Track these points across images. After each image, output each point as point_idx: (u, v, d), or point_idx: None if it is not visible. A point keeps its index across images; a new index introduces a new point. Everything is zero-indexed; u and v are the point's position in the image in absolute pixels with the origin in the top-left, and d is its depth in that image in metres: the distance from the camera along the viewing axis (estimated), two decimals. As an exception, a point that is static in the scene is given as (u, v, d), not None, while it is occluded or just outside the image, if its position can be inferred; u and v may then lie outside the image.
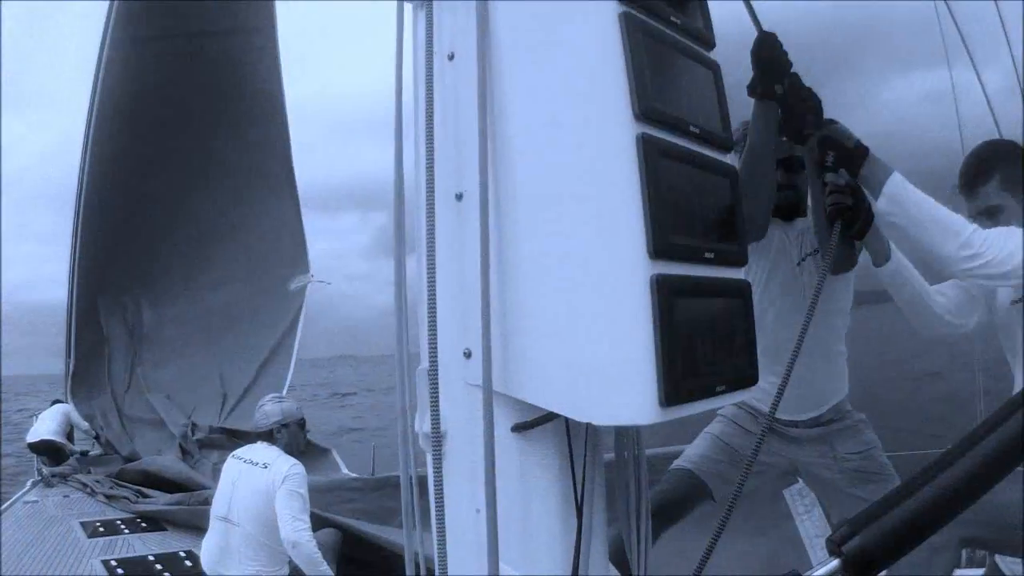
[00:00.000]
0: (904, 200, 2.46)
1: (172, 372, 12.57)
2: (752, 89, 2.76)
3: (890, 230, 2.57)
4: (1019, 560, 2.83)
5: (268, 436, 5.51)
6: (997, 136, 4.62)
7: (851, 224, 2.60)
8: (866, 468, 3.30)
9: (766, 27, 2.64)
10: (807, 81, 2.66)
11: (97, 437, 12.13)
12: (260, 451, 5.46)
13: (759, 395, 3.35)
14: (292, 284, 12.44)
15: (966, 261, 2.41)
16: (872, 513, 1.61)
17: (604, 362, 1.37)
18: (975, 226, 2.46)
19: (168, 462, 9.76)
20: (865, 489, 3.18)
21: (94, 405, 12.37)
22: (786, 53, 2.69)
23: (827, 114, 2.70)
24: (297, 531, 5.04)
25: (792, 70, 2.69)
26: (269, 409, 5.58)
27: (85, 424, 12.08)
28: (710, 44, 1.65)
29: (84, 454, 11.20)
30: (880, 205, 2.50)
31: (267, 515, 5.17)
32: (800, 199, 3.20)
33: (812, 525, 4.02)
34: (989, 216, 2.68)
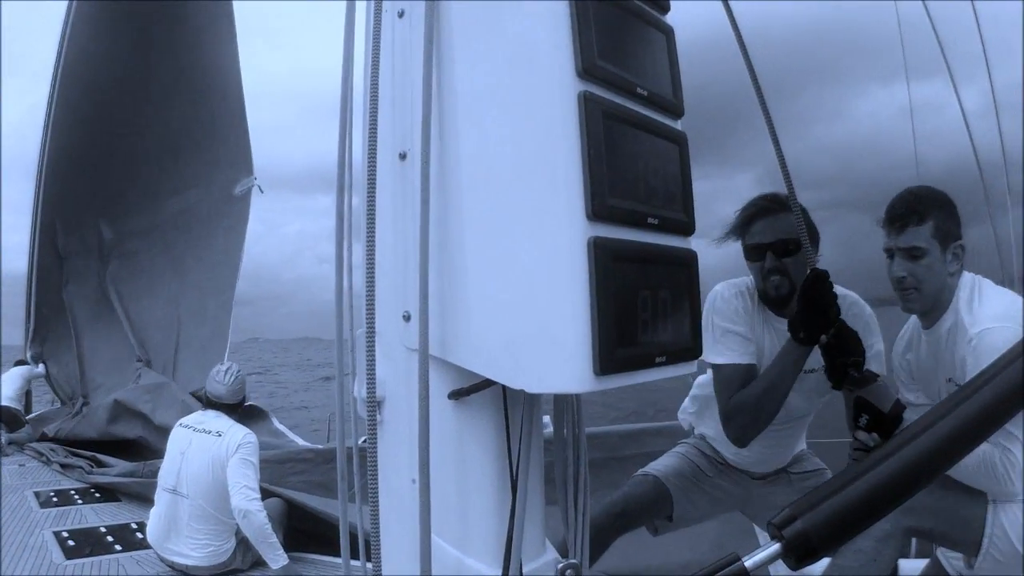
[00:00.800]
0: None
1: (138, 289, 12.62)
2: (795, 334, 2.69)
3: None
4: (959, 555, 2.85)
5: (230, 409, 5.47)
6: (971, 151, 4.69)
7: None
8: (823, 480, 3.39)
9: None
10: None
11: (54, 390, 12.04)
12: (213, 420, 5.40)
13: (731, 456, 3.53)
14: (237, 188, 12.47)
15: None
16: (814, 498, 1.59)
17: (539, 327, 1.33)
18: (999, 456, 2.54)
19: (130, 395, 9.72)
20: None
21: (53, 358, 12.29)
22: (835, 296, 2.63)
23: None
24: (248, 500, 5.00)
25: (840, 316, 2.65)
26: (235, 383, 5.53)
27: (41, 371, 12.00)
28: (664, 8, 1.61)
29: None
30: None
31: (218, 486, 5.13)
32: (793, 289, 2.97)
33: None
34: (912, 257, 2.71)
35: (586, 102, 1.31)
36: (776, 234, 2.97)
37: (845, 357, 2.62)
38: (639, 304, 1.37)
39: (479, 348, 1.43)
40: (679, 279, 1.51)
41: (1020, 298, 2.72)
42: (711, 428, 3.49)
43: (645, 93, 1.47)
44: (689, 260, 1.55)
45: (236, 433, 5.25)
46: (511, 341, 1.38)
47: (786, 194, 2.80)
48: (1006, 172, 4.95)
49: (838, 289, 2.75)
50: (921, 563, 3.29)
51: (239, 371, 5.63)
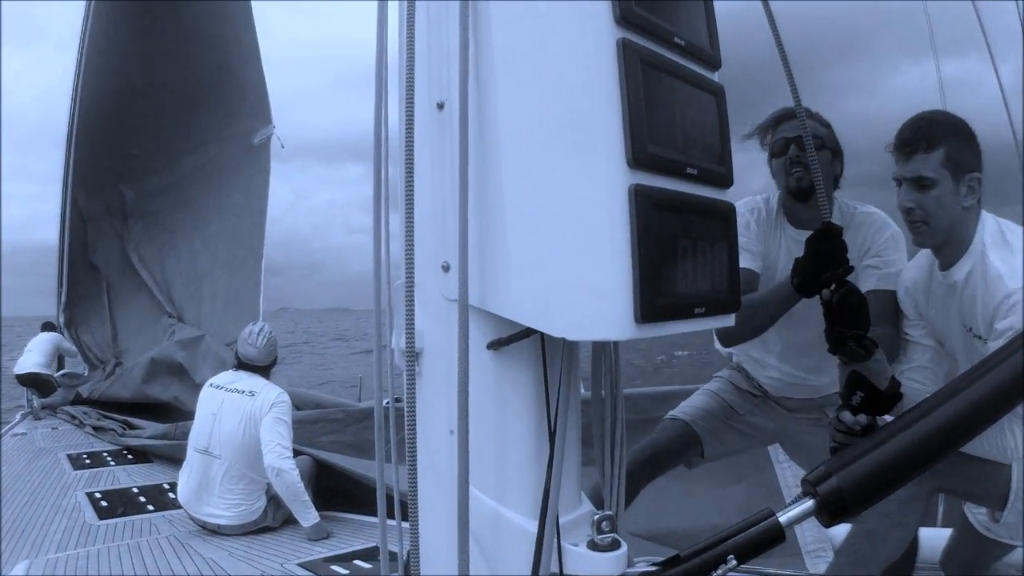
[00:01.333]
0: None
1: (162, 249, 12.83)
2: (800, 285, 2.51)
3: None
4: (983, 510, 2.82)
5: (262, 370, 5.52)
6: (1010, 129, 4.58)
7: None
8: None
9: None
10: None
11: (86, 358, 12.18)
12: (245, 380, 5.47)
13: (758, 368, 3.47)
14: (256, 138, 12.66)
15: None
16: (849, 457, 1.60)
17: (579, 275, 1.33)
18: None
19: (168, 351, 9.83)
20: None
21: (85, 324, 12.45)
22: (844, 254, 2.38)
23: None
24: (282, 458, 5.07)
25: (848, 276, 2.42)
26: (267, 346, 5.58)
27: (74, 349, 12.15)
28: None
29: (71, 376, 11.28)
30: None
31: (251, 445, 5.18)
32: (812, 181, 2.82)
33: (792, 474, 4.03)
34: (920, 187, 2.54)
35: (624, 49, 1.30)
36: (800, 130, 2.87)
37: (846, 328, 2.39)
38: (679, 253, 1.37)
39: (519, 297, 1.44)
40: (717, 231, 1.50)
41: None
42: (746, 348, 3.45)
43: (683, 43, 1.46)
44: (727, 212, 1.54)
45: (270, 392, 5.31)
46: (551, 289, 1.38)
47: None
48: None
49: (866, 208, 2.82)
50: (945, 532, 3.27)
51: (271, 332, 5.66)
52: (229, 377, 5.56)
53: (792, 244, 3.13)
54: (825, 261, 2.37)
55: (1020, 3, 4.49)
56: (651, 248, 1.29)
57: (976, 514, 2.90)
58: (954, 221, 2.56)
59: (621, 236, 1.27)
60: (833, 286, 2.33)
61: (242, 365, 5.55)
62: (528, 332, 1.46)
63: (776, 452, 3.98)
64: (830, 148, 3.11)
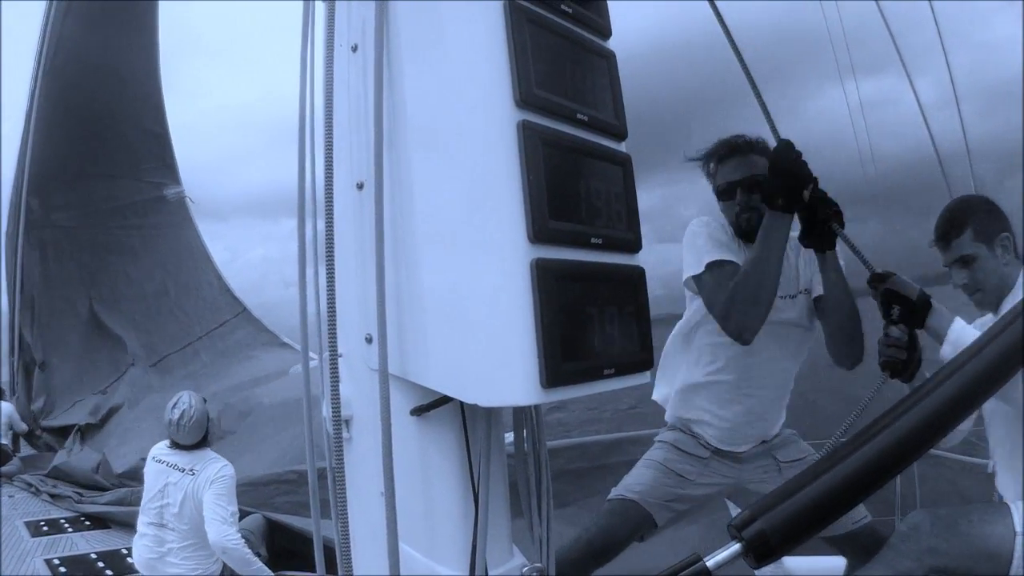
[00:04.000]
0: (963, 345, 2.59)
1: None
2: (773, 201, 2.79)
3: None
4: None
5: (198, 445, 5.33)
6: (930, 142, 4.79)
7: (899, 373, 2.70)
8: None
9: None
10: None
11: (32, 436, 12.00)
12: (185, 456, 5.28)
13: (706, 418, 3.42)
14: (167, 191, 13.01)
15: None
16: (773, 499, 1.65)
17: (489, 345, 1.40)
18: None
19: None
20: None
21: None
22: (805, 162, 2.75)
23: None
24: (225, 536, 4.97)
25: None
26: (194, 425, 5.28)
27: (24, 427, 11.95)
28: (605, 33, 1.68)
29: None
30: (945, 351, 2.65)
31: (198, 520, 5.06)
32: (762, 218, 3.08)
33: None
34: (964, 265, 2.89)
35: (524, 130, 1.38)
36: (745, 171, 3.13)
37: (825, 209, 2.79)
38: (585, 319, 1.44)
39: (436, 366, 1.51)
40: (626, 294, 1.57)
41: None
42: (703, 377, 3.39)
43: (586, 118, 1.54)
44: (635, 276, 1.61)
45: (211, 468, 5.17)
46: (464, 359, 1.45)
47: (753, 137, 3.15)
48: (969, 158, 5.08)
49: None
50: None
51: (192, 408, 5.30)
52: (169, 452, 5.35)
53: None
54: (791, 170, 2.73)
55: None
56: (555, 317, 1.36)
57: None
58: (1002, 279, 2.89)
59: (525, 307, 1.35)
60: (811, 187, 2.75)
61: (175, 445, 5.33)
62: (447, 399, 1.54)
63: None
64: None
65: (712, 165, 3.29)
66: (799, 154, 2.75)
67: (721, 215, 3.30)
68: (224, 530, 4.99)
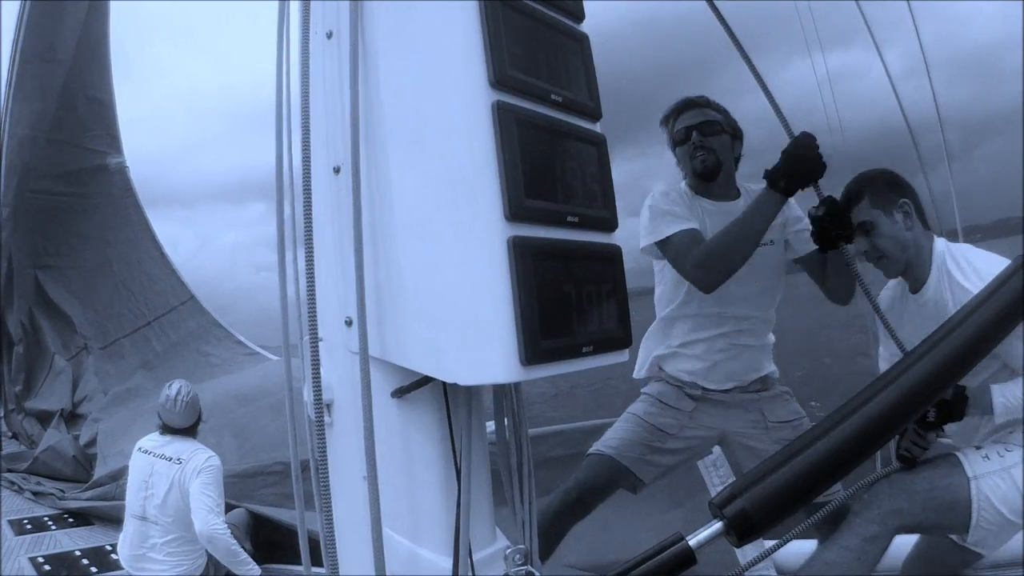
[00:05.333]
0: (1014, 404, 2.65)
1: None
2: (775, 182, 2.85)
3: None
4: None
5: (188, 431, 5.36)
6: (900, 112, 4.83)
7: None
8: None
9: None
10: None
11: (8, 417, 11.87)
12: (173, 444, 5.29)
13: (688, 366, 3.43)
14: (110, 160, 12.55)
15: None
16: (753, 477, 1.66)
17: (467, 324, 1.41)
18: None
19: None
20: None
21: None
22: (821, 156, 2.82)
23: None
24: (211, 526, 4.96)
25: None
26: (188, 408, 5.35)
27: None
28: (579, 16, 1.70)
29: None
30: (998, 420, 2.70)
31: (184, 511, 5.05)
32: (719, 163, 3.31)
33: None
34: (864, 232, 2.95)
35: (499, 111, 1.39)
36: (700, 118, 3.28)
37: (837, 229, 2.86)
38: (562, 297, 1.45)
39: (415, 347, 1.52)
40: (603, 272, 1.59)
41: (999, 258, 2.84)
42: (682, 327, 3.45)
43: (560, 99, 1.55)
44: (612, 254, 1.63)
45: (198, 458, 5.17)
46: (443, 339, 1.46)
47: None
48: (941, 128, 5.17)
49: (760, 185, 2.97)
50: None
51: (189, 391, 5.40)
52: (157, 441, 5.37)
53: (709, 216, 3.28)
54: (805, 160, 2.83)
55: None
56: (533, 294, 1.37)
57: None
58: (905, 246, 2.95)
59: (503, 285, 1.36)
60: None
61: (167, 429, 5.37)
62: (427, 379, 1.54)
63: (710, 475, 4.03)
64: (728, 132, 3.36)
65: (671, 121, 3.42)
66: (817, 148, 2.80)
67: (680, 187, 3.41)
68: (210, 519, 4.98)
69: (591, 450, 3.44)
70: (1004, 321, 1.81)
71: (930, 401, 1.79)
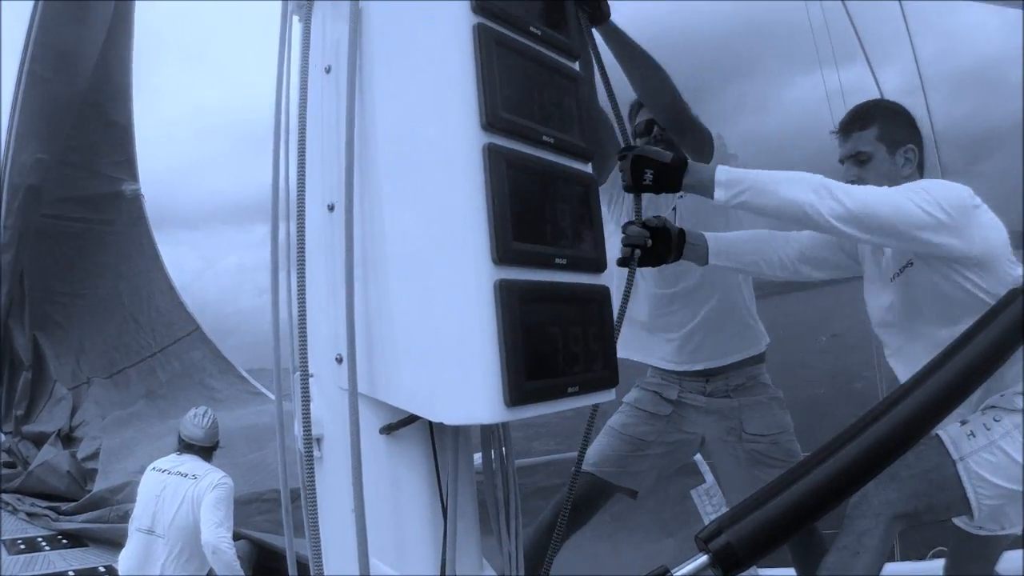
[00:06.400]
0: (739, 178, 2.50)
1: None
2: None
3: (744, 208, 2.58)
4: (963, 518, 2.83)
5: (205, 452, 5.58)
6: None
7: (646, 262, 2.67)
8: (771, 453, 3.32)
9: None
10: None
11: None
12: (188, 463, 5.48)
13: (662, 353, 3.44)
14: (125, 187, 12.54)
15: (823, 198, 2.44)
16: (739, 511, 1.67)
17: (453, 365, 1.42)
18: (819, 175, 2.52)
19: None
20: (766, 472, 3.19)
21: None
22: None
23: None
24: (219, 537, 5.07)
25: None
26: (212, 427, 5.63)
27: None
28: (574, 55, 1.72)
29: None
30: (719, 196, 2.51)
31: (193, 526, 5.19)
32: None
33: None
34: (858, 162, 2.81)
35: (490, 154, 1.41)
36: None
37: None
38: (549, 339, 1.47)
39: (403, 386, 1.53)
40: (591, 313, 1.60)
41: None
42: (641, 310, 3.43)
43: (552, 140, 1.58)
44: (600, 295, 1.64)
45: (212, 476, 5.35)
46: (431, 378, 1.48)
47: None
48: (936, 147, 5.16)
49: None
50: (905, 566, 3.25)
51: (214, 414, 5.73)
52: (172, 461, 5.56)
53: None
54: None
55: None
56: (518, 337, 1.38)
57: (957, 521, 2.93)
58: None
59: (489, 328, 1.37)
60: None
61: (186, 447, 5.57)
62: (415, 417, 1.56)
63: (703, 504, 4.04)
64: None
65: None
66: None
67: None
68: (219, 532, 5.11)
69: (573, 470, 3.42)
70: (999, 351, 1.81)
71: (922, 434, 1.78)
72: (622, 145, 2.59)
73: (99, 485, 8.42)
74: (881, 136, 2.80)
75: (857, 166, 2.81)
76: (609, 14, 2.68)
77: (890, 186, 2.66)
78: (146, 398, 11.35)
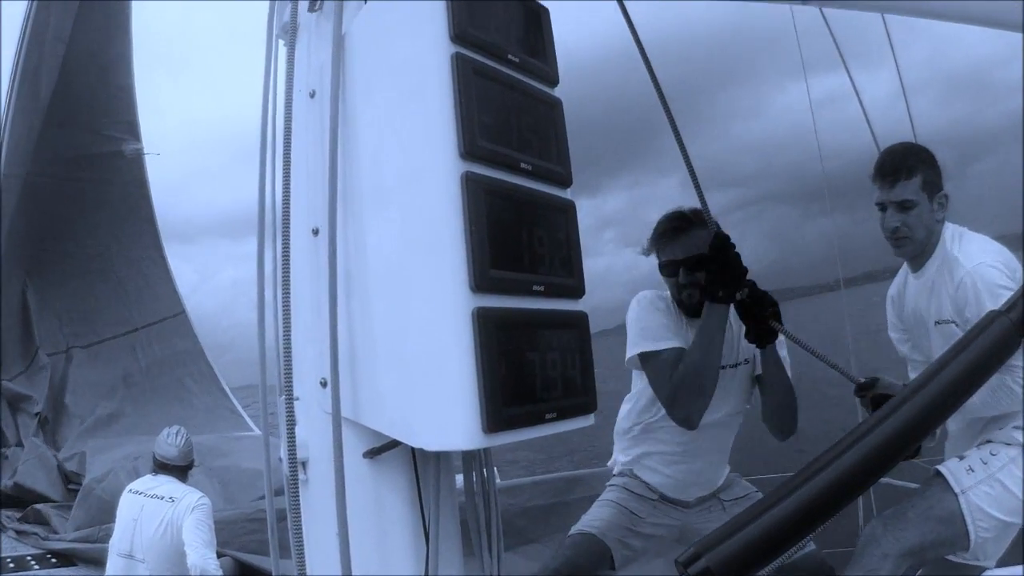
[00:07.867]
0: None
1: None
2: (713, 295, 2.87)
3: None
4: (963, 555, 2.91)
5: (180, 472, 5.51)
6: (874, 138, 4.95)
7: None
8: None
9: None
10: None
11: None
12: (164, 485, 5.41)
13: (653, 479, 3.54)
14: (126, 147, 12.23)
15: None
16: (718, 536, 1.69)
17: (432, 391, 1.44)
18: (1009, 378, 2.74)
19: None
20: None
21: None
22: (738, 254, 2.82)
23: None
24: (205, 559, 5.02)
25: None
26: (186, 446, 5.57)
27: None
28: (552, 81, 1.74)
29: None
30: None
31: (173, 549, 5.12)
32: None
33: None
34: (903, 209, 2.98)
35: (467, 183, 1.43)
36: (686, 251, 3.15)
37: (763, 309, 2.84)
38: (526, 366, 1.49)
39: (385, 411, 1.56)
40: (569, 340, 1.61)
41: (996, 243, 2.98)
42: (650, 447, 3.52)
43: (530, 167, 1.59)
44: (578, 321, 1.65)
45: (190, 498, 5.28)
46: (411, 404, 1.50)
47: (693, 209, 3.11)
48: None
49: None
50: None
51: (187, 433, 5.67)
52: (148, 483, 5.49)
53: (695, 330, 3.22)
54: (730, 264, 2.80)
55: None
56: (495, 364, 1.40)
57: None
58: (930, 234, 3.03)
59: (467, 355, 1.39)
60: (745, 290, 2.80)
61: (161, 467, 5.52)
62: (397, 442, 1.58)
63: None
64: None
65: (657, 247, 3.33)
66: (734, 247, 2.82)
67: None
68: (205, 553, 5.06)
69: (574, 530, 3.47)
70: (978, 372, 1.83)
71: (901, 456, 1.79)
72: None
73: (89, 476, 8.49)
74: (924, 185, 2.99)
75: (902, 212, 2.99)
76: (777, 336, 2.94)
77: (925, 230, 2.97)
78: (124, 385, 11.19)
